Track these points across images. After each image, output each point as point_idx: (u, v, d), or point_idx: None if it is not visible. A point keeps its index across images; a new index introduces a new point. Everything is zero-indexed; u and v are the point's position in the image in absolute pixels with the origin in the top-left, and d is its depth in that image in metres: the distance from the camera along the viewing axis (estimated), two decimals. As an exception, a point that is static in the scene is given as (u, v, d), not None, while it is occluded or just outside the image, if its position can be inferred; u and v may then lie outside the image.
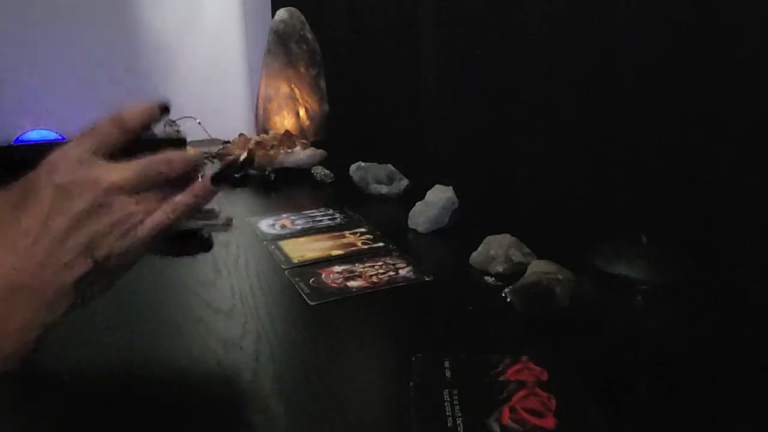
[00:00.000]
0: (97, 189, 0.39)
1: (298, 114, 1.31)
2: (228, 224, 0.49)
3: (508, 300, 0.59)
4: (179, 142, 0.46)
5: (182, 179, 0.43)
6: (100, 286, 0.42)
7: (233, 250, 0.76)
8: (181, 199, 0.43)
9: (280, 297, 0.64)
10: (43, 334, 0.40)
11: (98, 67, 1.55)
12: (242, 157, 0.47)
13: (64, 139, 0.43)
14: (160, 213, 0.42)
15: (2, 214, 0.40)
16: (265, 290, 0.65)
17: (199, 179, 0.44)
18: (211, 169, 0.45)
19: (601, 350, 0.47)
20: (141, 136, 0.43)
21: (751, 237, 0.53)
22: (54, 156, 0.40)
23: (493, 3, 0.83)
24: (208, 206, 0.49)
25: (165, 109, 0.45)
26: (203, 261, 0.70)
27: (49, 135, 1.39)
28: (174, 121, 1.15)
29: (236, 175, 0.46)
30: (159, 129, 0.46)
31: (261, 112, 1.33)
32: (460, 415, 0.42)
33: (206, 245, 0.49)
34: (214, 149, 1.26)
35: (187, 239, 0.48)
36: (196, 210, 0.44)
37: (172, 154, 0.43)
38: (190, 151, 0.45)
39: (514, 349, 0.51)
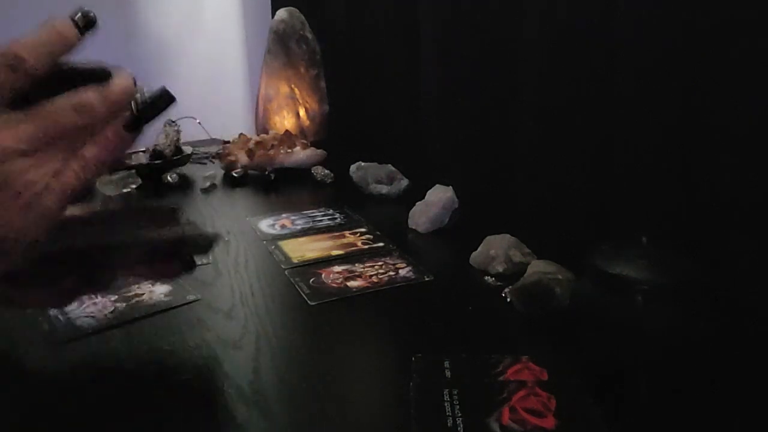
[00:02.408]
0: None
1: (298, 114, 1.31)
2: (214, 240, 0.47)
3: (508, 300, 0.59)
4: (103, 74, 0.36)
5: (104, 124, 0.35)
6: (2, 269, 0.34)
7: (233, 250, 0.76)
8: (93, 154, 0.34)
9: (280, 297, 0.64)
10: None
11: (98, 67, 1.55)
12: (153, 94, 0.37)
13: None
14: (68, 176, 0.33)
15: None
16: (265, 290, 0.65)
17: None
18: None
19: (601, 350, 0.47)
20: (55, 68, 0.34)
21: (751, 237, 0.53)
22: None
23: (493, 3, 0.83)
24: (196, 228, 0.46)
25: (86, 24, 0.35)
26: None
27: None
28: (174, 121, 1.15)
29: (166, 107, 0.37)
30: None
31: (261, 112, 1.33)
32: (460, 415, 0.42)
33: (187, 266, 0.47)
34: (214, 149, 1.27)
35: (168, 261, 0.46)
36: (112, 164, 0.36)
37: (87, 95, 0.34)
38: (117, 83, 0.35)
39: (514, 349, 0.51)
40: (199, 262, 0.61)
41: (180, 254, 0.47)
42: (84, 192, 0.35)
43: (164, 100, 0.37)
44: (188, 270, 0.47)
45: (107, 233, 0.44)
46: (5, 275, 0.37)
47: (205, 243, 0.49)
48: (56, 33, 0.34)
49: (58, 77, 0.34)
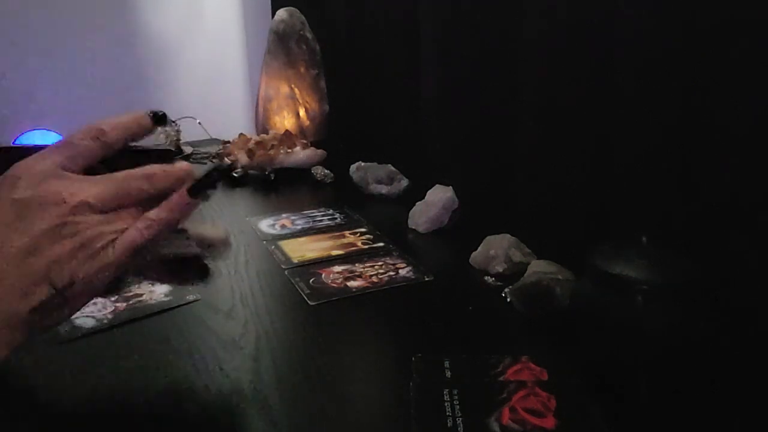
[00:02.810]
0: (62, 207, 0.35)
1: (298, 114, 1.31)
2: (225, 243, 0.47)
3: (508, 300, 0.59)
4: (167, 154, 0.43)
5: (165, 195, 0.39)
6: (62, 314, 0.37)
7: (233, 250, 0.76)
8: (157, 214, 0.38)
9: (280, 297, 0.64)
10: None
11: (98, 67, 1.55)
12: (224, 165, 0.44)
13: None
14: (133, 232, 0.37)
15: None
16: (265, 290, 0.65)
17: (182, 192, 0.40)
18: (198, 168, 0.43)
19: (601, 350, 0.47)
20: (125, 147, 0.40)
21: (751, 237, 0.53)
22: (17, 168, 0.36)
23: (493, 3, 0.83)
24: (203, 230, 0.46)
25: (159, 119, 0.41)
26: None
27: (50, 136, 1.39)
28: (174, 121, 1.15)
29: (216, 184, 0.41)
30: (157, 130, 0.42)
31: (261, 112, 1.33)
32: (460, 415, 0.42)
33: (203, 273, 0.47)
34: (214, 149, 1.27)
35: (183, 266, 0.46)
36: (175, 226, 0.40)
37: (154, 169, 0.39)
38: (179, 164, 0.41)
39: (514, 349, 0.51)
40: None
41: (195, 260, 0.47)
42: (163, 256, 0.41)
43: (217, 176, 0.42)
44: (203, 277, 0.48)
45: None
46: None
47: (219, 245, 0.49)
48: (135, 119, 0.40)
49: (130, 156, 0.39)
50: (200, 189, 0.40)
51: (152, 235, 0.38)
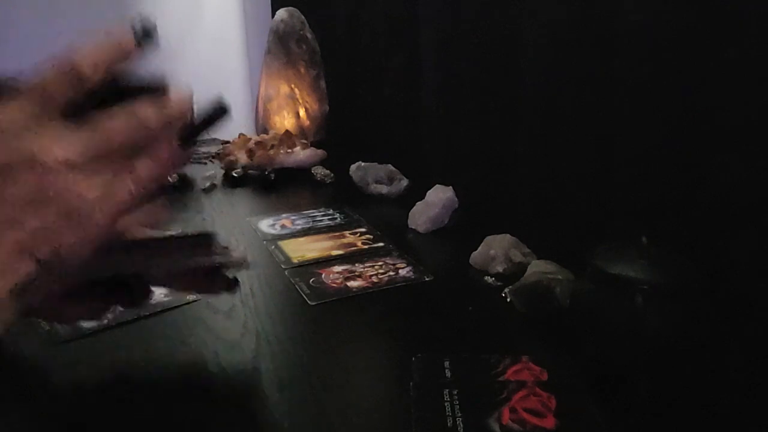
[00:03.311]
0: (37, 170, 0.30)
1: (298, 114, 1.31)
2: (242, 264, 0.47)
3: (508, 300, 0.59)
4: (160, 87, 0.35)
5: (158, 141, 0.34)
6: (49, 288, 0.33)
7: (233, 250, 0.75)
8: (146, 170, 0.33)
9: (280, 297, 0.64)
10: None
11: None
12: (220, 103, 0.36)
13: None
14: (120, 191, 0.32)
15: None
16: (265, 290, 0.65)
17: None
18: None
19: (601, 350, 0.47)
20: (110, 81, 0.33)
21: (751, 237, 0.53)
22: None
23: (493, 3, 0.83)
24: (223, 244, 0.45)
25: (145, 34, 0.34)
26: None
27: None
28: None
29: (216, 121, 0.36)
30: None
31: (261, 112, 1.33)
32: (460, 415, 0.42)
33: (232, 285, 0.47)
34: (214, 149, 1.27)
35: (210, 277, 0.46)
36: (165, 179, 0.35)
37: (144, 110, 0.33)
38: (174, 98, 0.35)
39: (514, 349, 0.51)
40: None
41: (221, 271, 0.47)
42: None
43: (219, 112, 0.36)
44: (232, 288, 0.47)
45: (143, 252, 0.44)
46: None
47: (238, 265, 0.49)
48: (114, 43, 0.33)
49: (114, 88, 0.33)
50: (192, 137, 0.34)
51: (142, 191, 0.33)
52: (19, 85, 0.32)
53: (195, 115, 0.35)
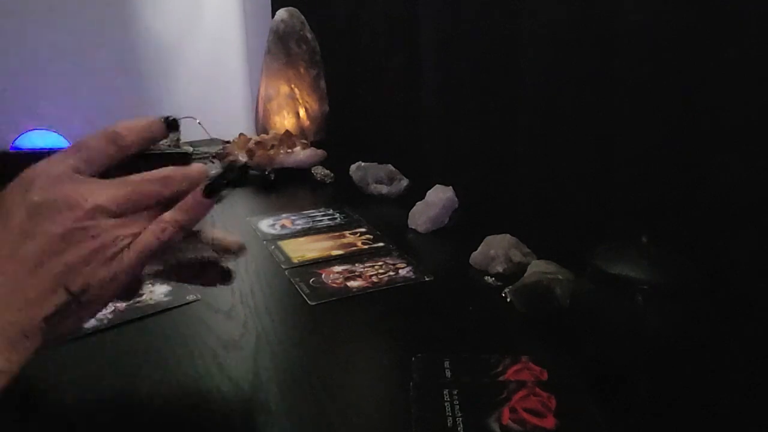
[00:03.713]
0: (76, 210, 0.34)
1: (298, 114, 1.31)
2: (239, 249, 0.47)
3: (508, 300, 0.59)
4: (183, 157, 0.42)
5: (180, 197, 0.39)
6: (77, 320, 0.36)
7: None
8: (172, 216, 0.38)
9: (280, 297, 0.64)
10: (6, 381, 0.33)
11: (99, 68, 1.55)
12: (239, 162, 0.44)
13: (66, 143, 0.41)
14: (148, 236, 0.37)
15: None
16: (265, 290, 0.65)
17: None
18: (211, 169, 0.43)
19: (601, 350, 0.47)
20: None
21: (751, 237, 0.53)
22: (32, 170, 0.36)
23: (493, 3, 0.83)
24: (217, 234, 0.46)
25: (171, 126, 0.40)
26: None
27: (50, 136, 1.39)
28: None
29: (230, 181, 0.41)
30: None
31: (261, 112, 1.33)
32: (460, 415, 0.42)
33: (226, 276, 0.47)
34: (214, 149, 1.27)
35: (205, 269, 0.46)
36: (190, 228, 0.39)
37: (170, 171, 0.38)
38: (194, 166, 0.40)
39: (514, 349, 0.51)
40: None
41: (216, 263, 0.47)
42: (182, 259, 0.41)
43: (233, 172, 0.41)
44: (226, 280, 0.47)
45: None
46: None
47: (235, 250, 0.49)
48: (148, 124, 0.39)
49: (145, 158, 0.39)
50: (215, 189, 0.39)
51: (167, 238, 0.37)
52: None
53: (212, 176, 0.41)
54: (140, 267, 0.37)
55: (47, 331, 0.34)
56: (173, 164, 0.40)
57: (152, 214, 0.38)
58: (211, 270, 0.47)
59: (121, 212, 0.36)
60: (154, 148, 0.41)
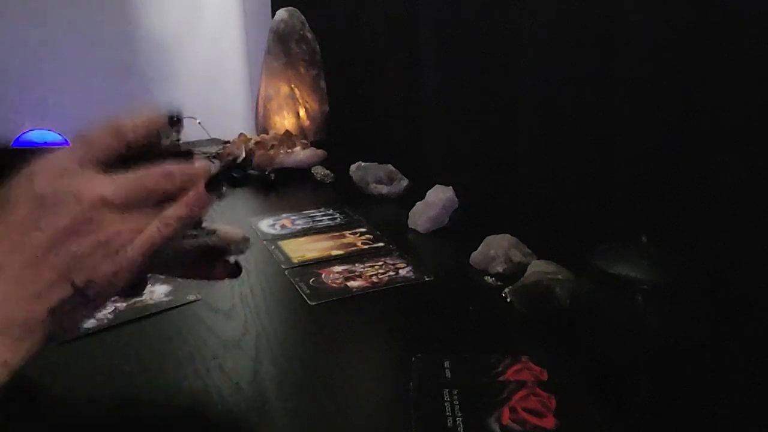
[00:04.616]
0: (82, 203, 0.34)
1: (298, 114, 1.31)
2: (244, 243, 0.47)
3: (508, 300, 0.59)
4: (186, 154, 0.41)
5: (183, 193, 0.39)
6: (80, 315, 0.36)
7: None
8: (174, 211, 0.37)
9: (280, 297, 0.64)
10: (7, 376, 0.33)
11: (99, 67, 1.55)
12: (240, 158, 0.44)
13: (65, 142, 0.40)
14: (152, 230, 0.36)
15: None
16: (265, 290, 0.65)
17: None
18: (213, 168, 0.43)
19: (601, 350, 0.47)
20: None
21: (751, 237, 0.53)
22: (38, 164, 0.36)
23: (493, 3, 0.83)
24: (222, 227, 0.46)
25: (175, 121, 0.40)
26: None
27: (50, 135, 1.39)
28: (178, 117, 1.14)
29: (234, 175, 0.42)
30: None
31: (261, 112, 1.33)
32: (460, 415, 0.42)
33: (234, 271, 0.47)
34: (214, 149, 1.27)
35: (213, 263, 0.46)
36: (192, 222, 0.39)
37: (173, 167, 0.38)
38: (197, 163, 0.40)
39: (514, 349, 0.51)
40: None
41: (223, 258, 0.47)
42: (187, 253, 0.40)
43: (242, 164, 0.42)
44: (235, 274, 0.48)
45: None
46: None
47: (239, 243, 0.49)
48: (151, 119, 0.39)
49: (148, 153, 0.39)
50: (217, 184, 0.39)
51: (170, 232, 0.37)
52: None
53: (215, 171, 0.41)
54: (144, 261, 0.36)
55: (51, 326, 0.34)
56: (176, 161, 0.39)
57: (155, 209, 0.37)
58: (218, 265, 0.47)
59: (124, 206, 0.36)
60: (155, 145, 0.40)
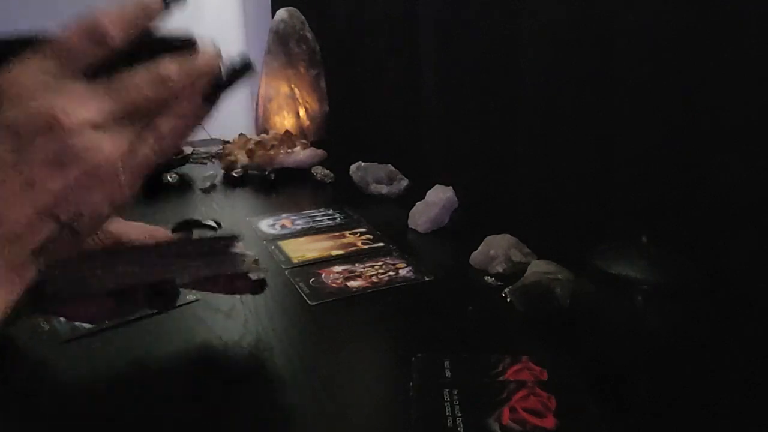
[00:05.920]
0: (59, 130, 0.29)
1: (298, 114, 1.31)
2: (255, 265, 0.49)
3: (508, 300, 0.59)
4: (186, 43, 0.34)
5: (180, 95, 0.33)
6: (69, 248, 0.32)
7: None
8: (168, 125, 0.33)
9: (280, 297, 0.64)
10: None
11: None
12: (245, 60, 0.36)
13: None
14: (145, 150, 0.32)
15: None
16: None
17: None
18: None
19: (601, 350, 0.47)
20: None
21: (751, 237, 0.53)
22: (5, 79, 0.30)
23: (493, 3, 0.83)
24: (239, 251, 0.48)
25: (246, 66, 0.34)
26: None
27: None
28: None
29: (235, 81, 0.35)
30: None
31: (261, 112, 1.33)
32: (460, 415, 0.42)
33: (257, 288, 0.48)
34: (214, 149, 1.27)
35: (234, 282, 0.48)
36: (188, 135, 0.35)
37: (168, 68, 0.32)
38: (201, 55, 0.34)
39: (514, 349, 0.51)
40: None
41: (246, 275, 0.49)
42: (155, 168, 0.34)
43: (244, 69, 0.35)
44: (260, 289, 0.48)
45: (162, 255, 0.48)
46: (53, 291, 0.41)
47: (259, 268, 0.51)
48: (140, 5, 0.33)
49: (142, 46, 0.32)
50: (221, 88, 0.34)
51: (165, 150, 0.33)
52: (40, 43, 0.31)
53: (221, 72, 0.35)
54: (139, 184, 0.33)
55: (40, 262, 0.31)
56: (175, 51, 0.33)
57: (144, 121, 0.32)
58: (238, 282, 0.48)
59: (108, 123, 0.31)
60: (155, 33, 0.34)
